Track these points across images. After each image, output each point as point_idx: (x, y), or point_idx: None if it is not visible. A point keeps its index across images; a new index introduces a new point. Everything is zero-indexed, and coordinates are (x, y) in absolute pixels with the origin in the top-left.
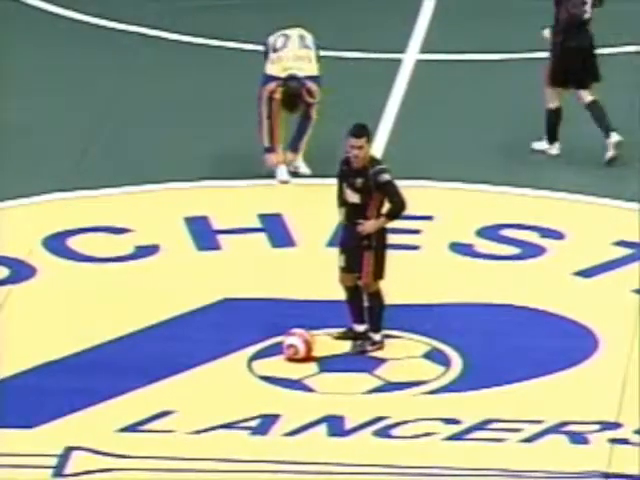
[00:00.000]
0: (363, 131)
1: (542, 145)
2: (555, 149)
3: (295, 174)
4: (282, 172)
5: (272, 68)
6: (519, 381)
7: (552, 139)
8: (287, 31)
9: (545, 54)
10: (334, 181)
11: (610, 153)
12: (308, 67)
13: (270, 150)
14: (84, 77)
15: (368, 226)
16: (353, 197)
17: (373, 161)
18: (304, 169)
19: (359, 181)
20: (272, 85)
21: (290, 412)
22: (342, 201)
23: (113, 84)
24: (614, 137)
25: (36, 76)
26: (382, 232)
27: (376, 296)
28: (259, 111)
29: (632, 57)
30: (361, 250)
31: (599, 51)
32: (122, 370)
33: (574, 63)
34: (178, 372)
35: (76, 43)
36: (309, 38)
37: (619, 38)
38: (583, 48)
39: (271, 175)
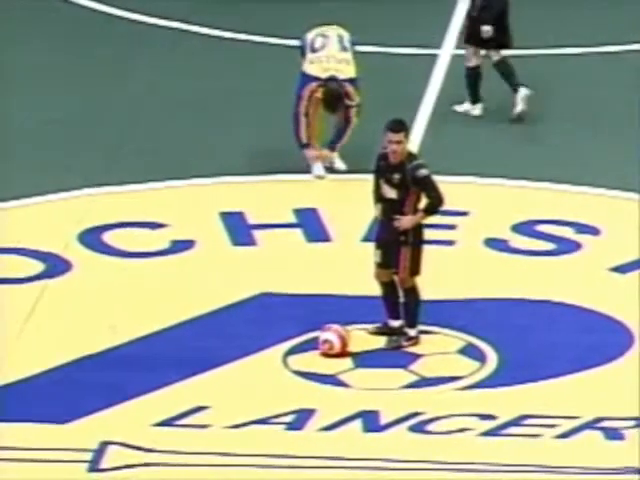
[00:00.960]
0: (401, 126)
1: (464, 107)
2: (478, 110)
3: (330, 169)
4: (318, 167)
5: (312, 68)
6: (554, 377)
7: (475, 100)
8: (326, 30)
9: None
10: (370, 176)
11: (519, 107)
12: (347, 69)
13: (307, 146)
14: (118, 72)
15: (405, 222)
16: (390, 192)
17: (411, 156)
18: (339, 164)
19: (396, 176)
20: (313, 85)
21: (325, 407)
22: (378, 197)
23: (147, 79)
24: (523, 91)
25: (70, 71)
26: (419, 228)
27: (412, 292)
28: (297, 110)
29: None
30: (398, 246)
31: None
32: (157, 365)
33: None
34: (213, 367)
35: (110, 38)
36: (347, 37)
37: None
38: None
39: (307, 170)
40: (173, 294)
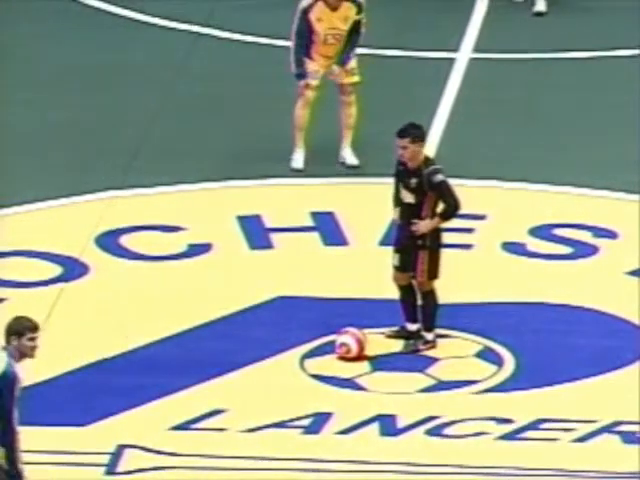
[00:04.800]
0: (405, 132)
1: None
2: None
3: (342, 164)
4: (297, 161)
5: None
6: (571, 380)
7: None
8: None
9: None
10: (386, 179)
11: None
12: None
13: (300, 77)
14: (135, 74)
15: (422, 226)
16: (408, 197)
17: (427, 161)
18: (351, 160)
19: (413, 181)
20: (305, 3)
21: (342, 411)
22: (398, 201)
23: (165, 81)
24: None
25: (87, 74)
26: (437, 232)
27: (430, 295)
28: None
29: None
30: (416, 249)
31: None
32: (174, 368)
33: None
34: (230, 370)
35: (126, 40)
36: None
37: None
38: None
39: (324, 174)
40: (190, 297)
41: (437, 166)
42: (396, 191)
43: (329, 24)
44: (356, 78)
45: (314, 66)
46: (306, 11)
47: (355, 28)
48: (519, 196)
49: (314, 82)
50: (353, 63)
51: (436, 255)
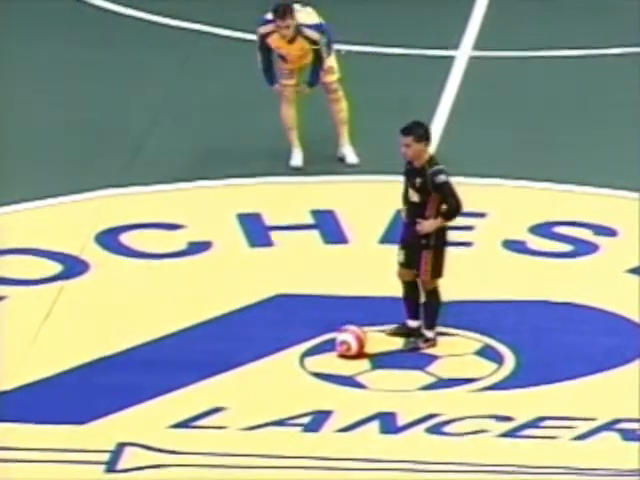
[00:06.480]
0: (409, 130)
1: None
2: None
3: (341, 160)
4: (296, 159)
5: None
6: (571, 378)
7: None
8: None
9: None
10: (386, 178)
11: None
12: (308, 18)
13: (272, 83)
14: (137, 73)
15: (425, 226)
16: (414, 196)
17: (432, 161)
18: (351, 158)
19: (418, 180)
20: (267, 27)
21: (342, 409)
22: (406, 199)
23: (167, 80)
24: None
25: (88, 73)
26: (442, 230)
27: (433, 294)
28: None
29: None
30: (420, 249)
31: None
32: (174, 366)
33: None
34: (230, 368)
35: (130, 39)
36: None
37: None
38: None
39: (325, 171)
40: (190, 295)
41: (441, 166)
42: (405, 190)
43: (287, 50)
44: (336, 76)
45: (286, 65)
46: (264, 37)
47: (316, 54)
48: (519, 194)
49: (289, 82)
50: (330, 62)
51: (440, 254)
